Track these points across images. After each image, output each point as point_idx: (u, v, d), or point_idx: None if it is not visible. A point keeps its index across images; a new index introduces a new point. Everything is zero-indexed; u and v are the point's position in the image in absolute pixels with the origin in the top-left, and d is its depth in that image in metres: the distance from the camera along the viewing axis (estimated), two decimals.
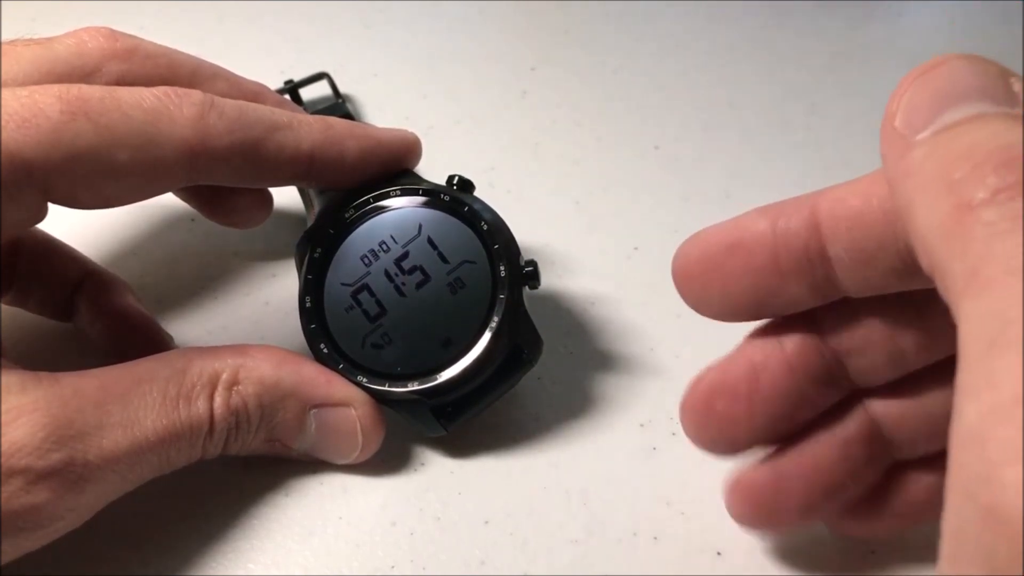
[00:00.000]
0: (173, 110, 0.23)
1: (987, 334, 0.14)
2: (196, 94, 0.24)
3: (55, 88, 0.22)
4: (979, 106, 0.16)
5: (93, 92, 0.22)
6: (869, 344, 0.21)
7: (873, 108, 0.42)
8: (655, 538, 0.26)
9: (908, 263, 0.18)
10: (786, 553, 0.26)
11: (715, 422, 0.22)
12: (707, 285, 0.22)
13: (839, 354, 0.22)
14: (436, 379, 0.26)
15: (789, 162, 0.39)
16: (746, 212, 0.21)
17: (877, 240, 0.19)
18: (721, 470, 0.28)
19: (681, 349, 0.31)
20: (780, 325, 0.22)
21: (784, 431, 0.22)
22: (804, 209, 0.20)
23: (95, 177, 0.23)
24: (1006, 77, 0.16)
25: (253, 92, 0.29)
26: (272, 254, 0.34)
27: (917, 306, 0.20)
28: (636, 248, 0.35)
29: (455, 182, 0.28)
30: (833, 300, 0.21)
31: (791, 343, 0.22)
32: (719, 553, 0.26)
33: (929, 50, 0.46)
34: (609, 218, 0.36)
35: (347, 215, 0.27)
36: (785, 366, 0.21)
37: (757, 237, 0.20)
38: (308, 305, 0.27)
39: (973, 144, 0.15)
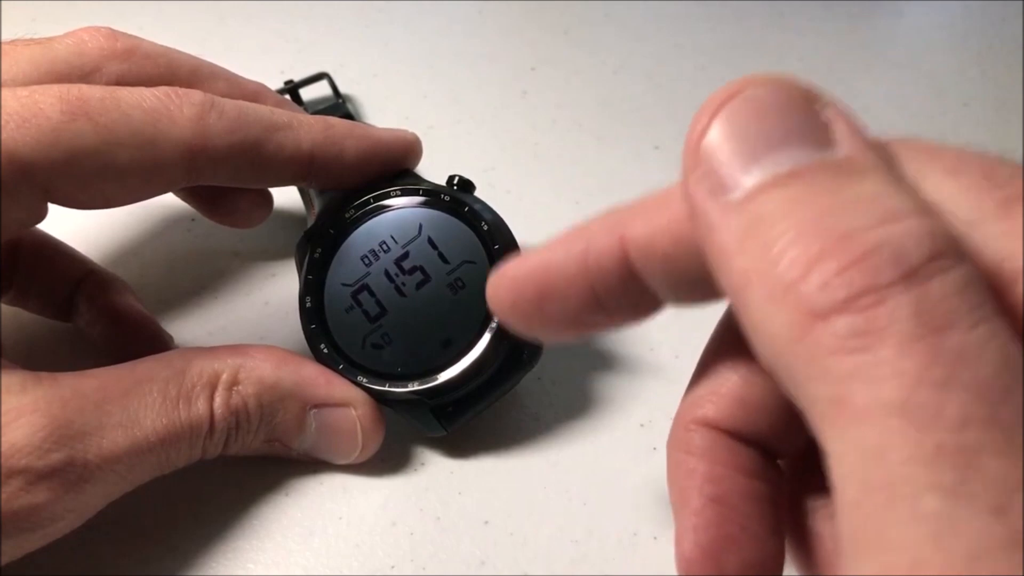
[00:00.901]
0: (173, 110, 0.23)
1: (866, 478, 0.12)
2: (196, 94, 0.24)
3: (55, 88, 0.22)
4: (792, 155, 0.14)
5: (93, 92, 0.22)
6: None
7: (873, 108, 0.42)
8: (655, 538, 0.26)
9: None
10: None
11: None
12: (528, 324, 0.19)
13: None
14: (436, 379, 0.26)
15: None
16: (553, 241, 0.19)
17: (693, 259, 0.16)
18: None
19: (681, 349, 0.31)
20: None
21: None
22: (611, 235, 0.18)
23: (95, 177, 0.23)
24: (811, 104, 0.15)
25: (253, 92, 0.29)
26: (272, 254, 0.34)
27: None
28: None
29: (455, 182, 0.28)
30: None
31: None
32: None
33: (929, 50, 0.46)
34: None
35: (347, 215, 0.27)
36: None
37: (568, 276, 0.18)
38: (308, 305, 0.27)
39: (799, 223, 0.13)
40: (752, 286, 0.13)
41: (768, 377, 0.15)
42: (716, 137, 0.14)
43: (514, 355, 0.27)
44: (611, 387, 0.30)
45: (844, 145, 0.14)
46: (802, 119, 0.14)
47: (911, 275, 0.12)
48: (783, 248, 0.13)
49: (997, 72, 0.44)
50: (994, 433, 0.12)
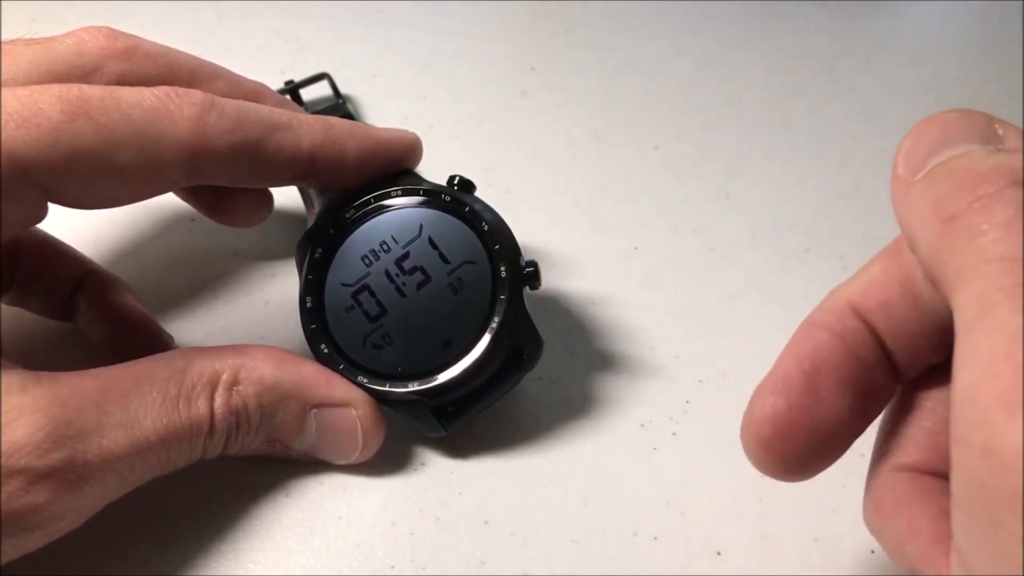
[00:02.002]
0: (174, 110, 0.23)
1: (971, 314, 0.15)
2: (196, 94, 0.24)
3: (55, 88, 0.22)
4: (966, 146, 0.18)
5: (93, 92, 0.22)
6: None
7: (873, 108, 0.42)
8: (655, 538, 0.26)
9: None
10: (786, 553, 0.26)
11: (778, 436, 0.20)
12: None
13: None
14: (436, 379, 0.26)
15: (789, 162, 0.39)
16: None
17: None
18: (721, 470, 0.28)
19: (681, 349, 0.31)
20: None
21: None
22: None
23: (95, 177, 0.23)
24: (991, 123, 0.18)
25: (253, 92, 0.29)
26: (272, 254, 0.34)
27: None
28: (636, 248, 0.35)
29: (456, 182, 0.28)
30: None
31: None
32: (719, 553, 0.26)
33: (929, 50, 0.46)
34: (609, 218, 0.36)
35: (348, 215, 0.27)
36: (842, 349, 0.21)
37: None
38: (309, 305, 0.27)
39: (955, 171, 0.17)
40: (921, 219, 0.18)
41: (915, 298, 0.20)
42: (915, 140, 0.19)
43: (514, 355, 0.27)
44: (611, 387, 0.30)
45: (1010, 143, 0.18)
46: (982, 128, 0.18)
47: (1017, 183, 0.16)
48: (941, 186, 0.17)
49: (997, 72, 0.44)
50: None
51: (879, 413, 0.21)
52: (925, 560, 0.19)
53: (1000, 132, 0.18)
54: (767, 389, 0.20)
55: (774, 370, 0.20)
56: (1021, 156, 0.17)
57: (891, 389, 0.21)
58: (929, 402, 0.21)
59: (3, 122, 0.21)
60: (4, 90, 0.22)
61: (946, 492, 0.17)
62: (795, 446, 0.20)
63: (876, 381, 0.20)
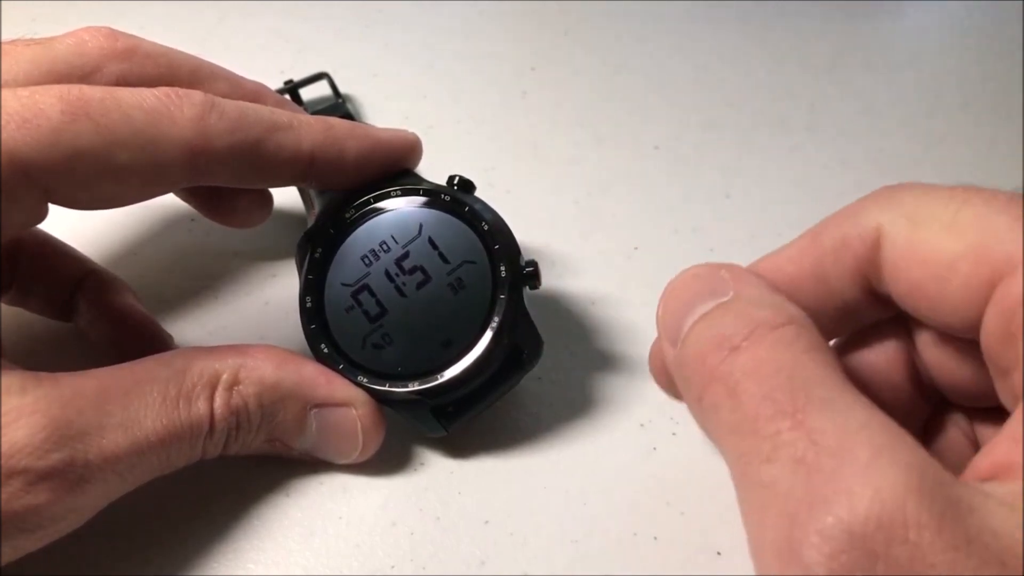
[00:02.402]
0: (174, 111, 0.23)
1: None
2: (197, 95, 0.24)
3: (56, 89, 0.22)
4: (701, 307, 0.20)
5: (94, 93, 0.22)
6: None
7: (873, 108, 0.42)
8: (655, 538, 0.26)
9: (849, 305, 0.22)
10: None
11: None
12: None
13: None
14: (437, 379, 0.26)
15: (789, 162, 0.39)
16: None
17: (817, 297, 0.22)
18: (721, 470, 0.28)
19: None
20: None
21: None
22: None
23: (95, 178, 0.23)
24: (717, 272, 0.21)
25: (253, 92, 0.29)
26: (272, 254, 0.34)
27: None
28: (636, 248, 0.35)
29: (456, 182, 0.28)
30: None
31: None
32: (719, 553, 0.26)
33: (929, 50, 0.46)
34: (609, 218, 0.36)
35: (348, 215, 0.27)
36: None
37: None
38: (309, 305, 0.27)
39: (699, 344, 0.20)
40: (686, 386, 0.20)
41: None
42: (665, 308, 0.21)
43: (514, 355, 0.27)
44: (611, 387, 0.30)
45: (732, 290, 0.20)
46: (711, 282, 0.21)
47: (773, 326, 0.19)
48: (692, 364, 0.20)
49: (997, 72, 0.44)
50: None
51: None
52: None
53: (724, 276, 0.21)
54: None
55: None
56: (742, 307, 0.20)
57: None
58: None
59: (4, 123, 0.21)
60: (5, 91, 0.22)
61: None
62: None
63: None
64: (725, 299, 0.20)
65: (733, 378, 0.18)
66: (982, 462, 0.17)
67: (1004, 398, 0.19)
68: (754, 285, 0.21)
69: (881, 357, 0.23)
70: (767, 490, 0.16)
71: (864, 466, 0.15)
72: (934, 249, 0.19)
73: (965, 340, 0.20)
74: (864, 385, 0.22)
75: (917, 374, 0.23)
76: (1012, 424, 0.17)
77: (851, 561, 0.15)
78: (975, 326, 0.19)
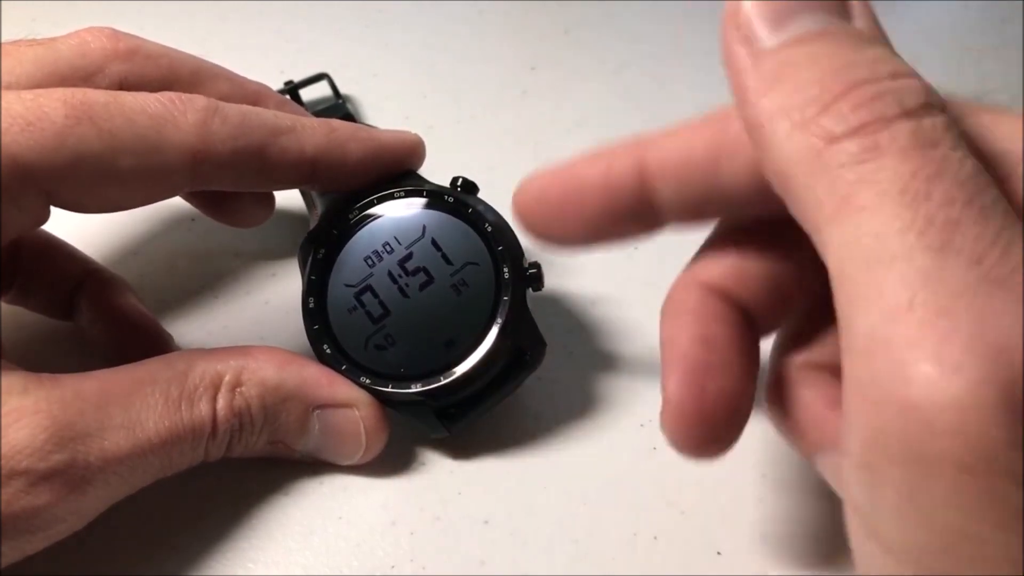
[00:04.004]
0: (177, 116, 0.23)
1: (865, 253, 0.15)
2: (200, 99, 0.24)
3: (60, 92, 0.22)
4: (822, 18, 0.17)
5: (98, 97, 0.22)
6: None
7: None
8: (655, 538, 0.26)
9: (733, 201, 0.20)
10: (786, 553, 0.26)
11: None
12: (546, 226, 0.23)
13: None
14: (440, 381, 0.26)
15: None
16: (579, 156, 0.22)
17: (703, 186, 0.21)
18: (721, 470, 0.28)
19: None
20: None
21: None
22: (632, 156, 0.21)
23: (98, 182, 0.23)
24: None
25: (255, 92, 0.29)
26: (272, 254, 0.34)
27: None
28: (636, 248, 0.35)
29: (459, 183, 0.28)
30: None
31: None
32: (719, 553, 0.26)
33: (929, 50, 0.46)
34: None
35: (350, 216, 0.27)
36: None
37: (590, 186, 0.22)
38: (311, 306, 0.27)
39: (821, 72, 0.16)
40: (776, 119, 0.16)
41: (760, 254, 0.21)
42: (751, 3, 0.17)
43: (517, 357, 0.27)
44: (611, 387, 0.30)
45: (859, 20, 0.17)
46: None
47: (909, 113, 0.15)
48: (807, 89, 0.16)
49: (997, 72, 0.44)
50: (972, 209, 0.14)
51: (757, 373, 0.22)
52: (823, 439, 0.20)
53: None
54: (672, 383, 0.21)
55: (668, 366, 0.22)
56: (885, 48, 0.17)
57: (757, 347, 0.22)
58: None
59: (7, 126, 0.21)
60: (9, 93, 0.22)
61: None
62: (712, 421, 0.21)
63: (752, 344, 0.22)
64: (849, 25, 0.17)
65: (905, 133, 0.15)
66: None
67: None
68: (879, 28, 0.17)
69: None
70: (926, 279, 0.14)
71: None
72: None
73: None
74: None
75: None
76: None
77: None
78: None
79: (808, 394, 0.21)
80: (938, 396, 0.13)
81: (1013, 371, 0.13)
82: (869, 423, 0.14)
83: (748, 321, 0.22)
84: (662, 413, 0.21)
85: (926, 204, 0.14)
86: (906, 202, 0.14)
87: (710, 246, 0.23)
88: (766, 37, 0.17)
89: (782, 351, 0.22)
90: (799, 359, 0.22)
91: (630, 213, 0.21)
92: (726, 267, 0.22)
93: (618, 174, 0.21)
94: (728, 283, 0.22)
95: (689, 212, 0.21)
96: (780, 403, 0.22)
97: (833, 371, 0.21)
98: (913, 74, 0.16)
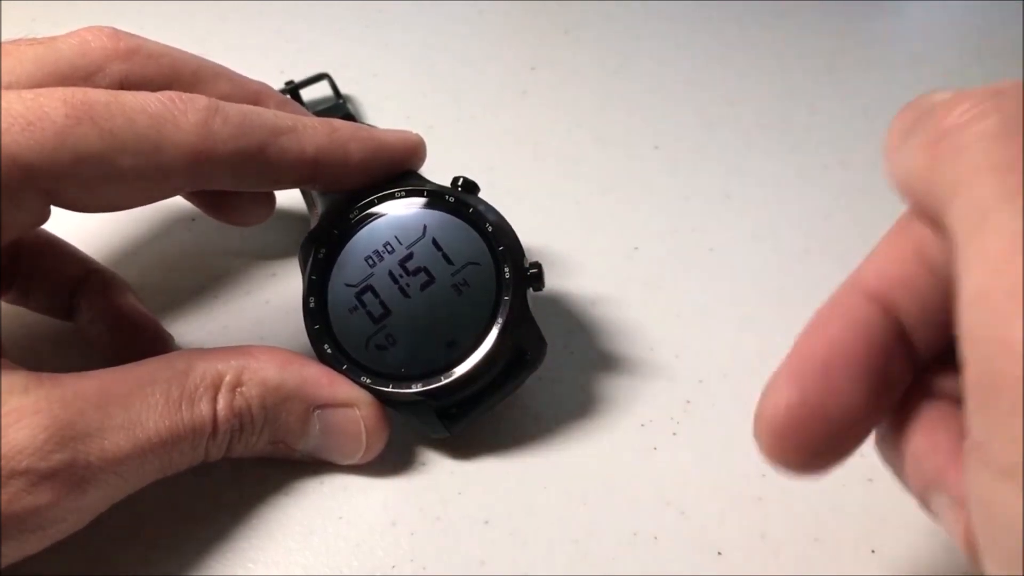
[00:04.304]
0: (178, 115, 0.23)
1: (972, 221, 0.16)
2: (201, 99, 0.24)
3: (60, 92, 0.22)
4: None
5: (98, 96, 0.22)
6: None
7: (873, 108, 0.42)
8: (655, 538, 0.26)
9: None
10: (786, 553, 0.26)
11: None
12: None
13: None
14: (440, 381, 0.26)
15: (789, 162, 0.39)
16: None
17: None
18: (721, 470, 0.28)
19: (681, 349, 0.31)
20: None
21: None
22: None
23: (98, 182, 0.23)
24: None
25: (255, 92, 0.29)
26: (273, 253, 0.34)
27: None
28: (636, 248, 0.35)
29: (460, 183, 0.28)
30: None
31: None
32: (719, 553, 0.26)
33: (929, 50, 0.46)
34: (609, 218, 0.36)
35: (351, 216, 0.27)
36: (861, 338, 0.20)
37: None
38: (312, 306, 0.27)
39: (934, 105, 0.18)
40: (912, 154, 0.18)
41: (930, 267, 0.19)
42: (902, 116, 0.19)
43: (518, 357, 0.27)
44: (611, 387, 0.30)
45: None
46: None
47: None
48: (930, 123, 0.18)
49: (997, 72, 0.44)
50: None
51: (895, 400, 0.20)
52: (941, 473, 0.19)
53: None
54: (781, 380, 0.19)
55: (788, 361, 0.19)
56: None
57: (908, 374, 0.20)
58: None
59: (8, 125, 0.21)
60: (10, 93, 0.22)
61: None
62: (809, 439, 0.19)
63: (893, 367, 0.19)
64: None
65: (995, 118, 0.16)
66: None
67: None
68: None
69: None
70: (1015, 237, 0.15)
71: None
72: None
73: None
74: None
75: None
76: None
77: None
78: None
79: (928, 423, 0.20)
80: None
81: None
82: (977, 363, 0.15)
83: (904, 346, 0.20)
84: (756, 415, 0.19)
85: (1012, 176, 0.16)
86: (998, 176, 0.16)
87: (874, 256, 0.21)
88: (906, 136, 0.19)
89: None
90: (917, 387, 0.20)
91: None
92: (892, 277, 0.20)
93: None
94: (898, 297, 0.20)
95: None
96: (894, 433, 0.20)
97: (955, 401, 0.19)
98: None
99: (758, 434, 0.19)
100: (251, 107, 0.25)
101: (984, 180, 0.16)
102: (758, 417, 0.19)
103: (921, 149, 0.18)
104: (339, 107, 0.39)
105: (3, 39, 0.26)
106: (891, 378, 0.19)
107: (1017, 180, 0.16)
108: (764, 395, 0.19)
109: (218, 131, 0.24)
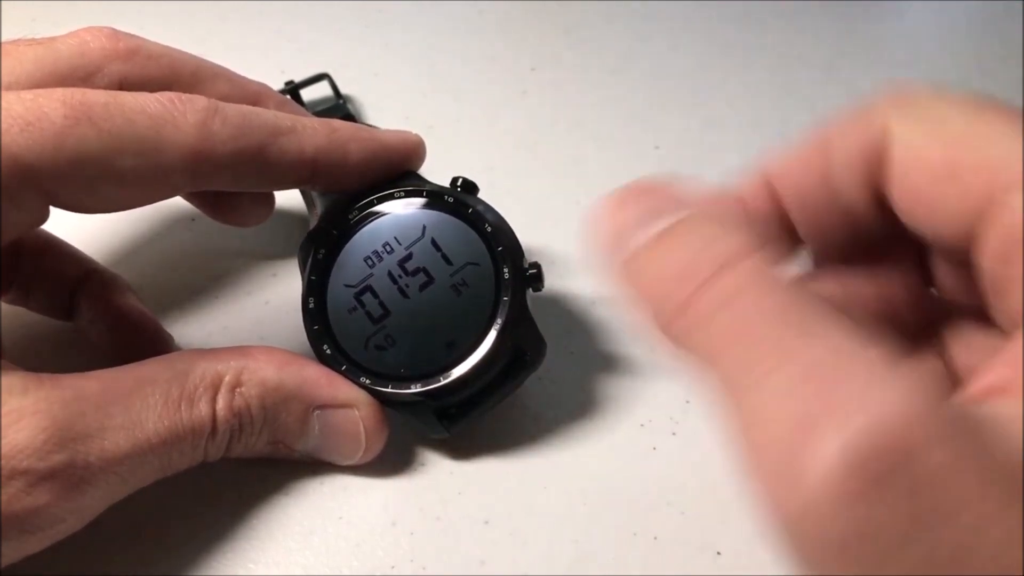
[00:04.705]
0: (177, 116, 0.23)
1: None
2: (200, 100, 0.24)
3: (59, 92, 0.22)
4: (655, 223, 0.19)
5: (97, 97, 0.22)
6: None
7: None
8: (655, 538, 0.26)
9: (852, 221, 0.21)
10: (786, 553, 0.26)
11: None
12: None
13: None
14: (439, 381, 0.26)
15: None
16: (711, 193, 0.22)
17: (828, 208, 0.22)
18: (721, 470, 0.28)
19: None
20: None
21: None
22: (763, 188, 0.22)
23: (98, 182, 0.23)
24: (668, 187, 0.19)
25: (255, 92, 0.29)
26: (272, 254, 0.34)
27: None
28: None
29: (459, 184, 0.28)
30: None
31: None
32: (719, 553, 0.26)
33: (929, 50, 0.46)
34: None
35: (350, 216, 0.27)
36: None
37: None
38: (311, 306, 0.27)
39: (657, 270, 0.18)
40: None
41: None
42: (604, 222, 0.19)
43: (517, 357, 0.27)
44: (611, 387, 0.30)
45: (688, 208, 0.19)
46: (661, 197, 0.19)
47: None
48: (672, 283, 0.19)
49: (997, 72, 0.44)
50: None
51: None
52: None
53: (679, 193, 0.19)
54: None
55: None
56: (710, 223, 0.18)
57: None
58: None
59: (7, 126, 0.21)
60: (9, 93, 0.22)
61: None
62: None
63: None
64: (681, 216, 0.18)
65: (707, 320, 0.17)
66: (976, 386, 0.17)
67: (1000, 319, 0.19)
68: (711, 201, 0.20)
69: (873, 284, 0.23)
70: (762, 413, 0.16)
71: (865, 387, 0.15)
72: (939, 154, 0.19)
73: (962, 262, 0.20)
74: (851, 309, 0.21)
75: (908, 300, 0.22)
76: (1011, 348, 0.17)
77: (857, 484, 0.14)
78: (967, 238, 0.19)
79: None
80: None
81: None
82: None
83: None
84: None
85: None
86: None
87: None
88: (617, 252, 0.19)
89: None
90: None
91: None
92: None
93: (757, 208, 0.22)
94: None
95: (819, 234, 0.22)
96: None
97: None
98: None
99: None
100: (250, 108, 0.25)
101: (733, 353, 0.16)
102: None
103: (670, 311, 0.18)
104: (339, 107, 0.39)
105: (3, 39, 0.26)
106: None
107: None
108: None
109: (217, 132, 0.24)
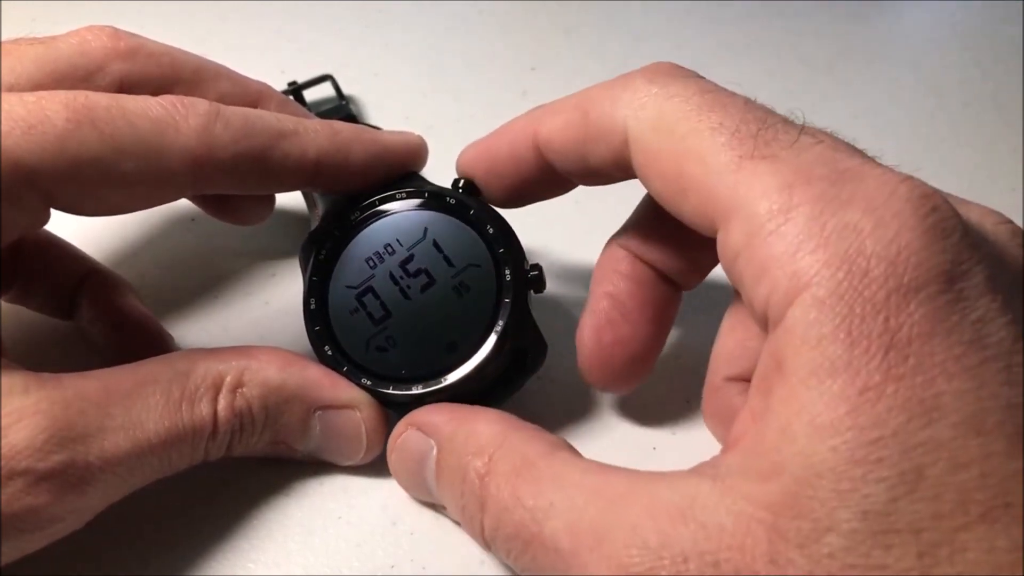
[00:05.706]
0: (179, 120, 0.23)
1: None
2: (202, 103, 0.24)
3: (62, 95, 0.22)
4: (427, 465, 0.24)
5: (100, 100, 0.22)
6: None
7: (873, 108, 0.42)
8: None
9: (603, 175, 0.25)
10: None
11: (611, 354, 0.27)
12: (485, 187, 0.28)
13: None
14: (441, 383, 0.26)
15: None
16: (496, 132, 0.28)
17: (580, 161, 0.25)
18: None
19: (681, 349, 0.31)
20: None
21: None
22: (528, 133, 0.26)
23: (99, 186, 0.23)
24: (418, 433, 0.25)
25: (257, 92, 0.29)
26: (273, 254, 0.34)
27: None
28: None
29: (461, 185, 0.28)
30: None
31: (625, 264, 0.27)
32: None
33: (929, 50, 0.46)
34: (609, 218, 0.36)
35: (352, 217, 0.27)
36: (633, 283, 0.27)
37: (503, 160, 0.27)
38: (312, 307, 0.26)
39: (449, 492, 0.24)
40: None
41: (670, 224, 0.24)
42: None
43: (518, 358, 0.27)
44: None
45: (433, 444, 0.24)
46: (418, 446, 0.25)
47: None
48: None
49: (997, 72, 0.44)
50: None
51: (671, 321, 0.28)
52: None
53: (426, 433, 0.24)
54: (587, 328, 0.27)
55: (583, 315, 0.27)
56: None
57: (677, 300, 0.28)
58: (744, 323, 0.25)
59: (9, 128, 0.21)
60: (11, 95, 0.22)
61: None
62: (609, 368, 0.27)
63: (662, 298, 0.27)
64: (435, 453, 0.24)
65: (479, 519, 0.22)
66: (730, 436, 0.21)
67: (751, 310, 0.21)
68: (453, 426, 0.24)
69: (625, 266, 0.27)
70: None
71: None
72: (671, 168, 0.22)
73: None
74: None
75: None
76: (750, 399, 0.20)
77: None
78: (711, 230, 0.21)
79: (739, 402, 0.24)
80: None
81: None
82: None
83: (663, 280, 0.27)
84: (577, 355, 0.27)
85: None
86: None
87: (633, 217, 0.28)
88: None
89: (714, 366, 0.26)
90: (728, 372, 0.25)
91: (540, 177, 0.26)
92: (640, 234, 0.27)
93: (522, 149, 0.26)
94: (640, 249, 0.27)
95: (579, 176, 0.26)
96: (715, 413, 0.26)
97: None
98: None
99: (582, 368, 0.27)
100: (253, 111, 0.25)
101: None
102: (578, 355, 0.27)
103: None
104: (341, 108, 0.39)
105: (3, 39, 0.26)
106: (663, 305, 0.27)
107: None
108: (579, 340, 0.27)
109: (219, 136, 0.24)
